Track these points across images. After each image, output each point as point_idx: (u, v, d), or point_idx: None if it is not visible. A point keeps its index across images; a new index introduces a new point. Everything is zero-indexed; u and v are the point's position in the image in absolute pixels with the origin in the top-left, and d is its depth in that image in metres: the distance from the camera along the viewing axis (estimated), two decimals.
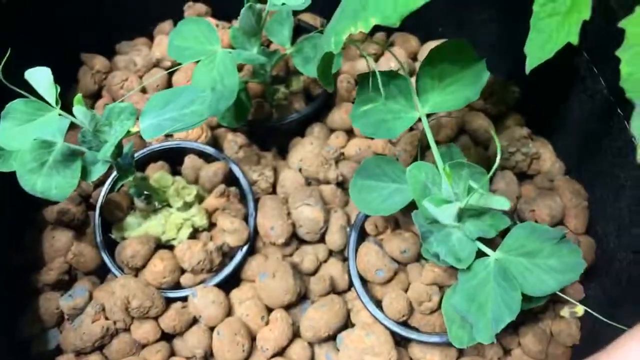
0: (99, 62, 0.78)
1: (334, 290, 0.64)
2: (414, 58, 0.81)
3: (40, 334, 0.62)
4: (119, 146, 0.53)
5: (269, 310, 0.62)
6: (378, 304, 0.60)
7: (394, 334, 0.59)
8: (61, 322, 0.64)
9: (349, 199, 0.69)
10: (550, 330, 0.62)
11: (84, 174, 0.53)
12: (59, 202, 0.65)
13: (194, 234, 0.65)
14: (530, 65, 0.39)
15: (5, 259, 0.64)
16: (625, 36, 0.30)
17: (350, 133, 0.75)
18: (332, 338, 0.61)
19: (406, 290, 0.61)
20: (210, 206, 0.66)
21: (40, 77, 0.47)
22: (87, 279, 0.65)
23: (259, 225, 0.65)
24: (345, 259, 0.66)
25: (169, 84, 0.78)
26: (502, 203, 0.44)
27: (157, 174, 0.66)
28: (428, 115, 0.54)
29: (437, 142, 0.53)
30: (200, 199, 0.66)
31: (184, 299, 0.62)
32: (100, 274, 0.66)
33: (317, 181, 0.69)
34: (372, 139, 0.72)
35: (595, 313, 0.55)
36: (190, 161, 0.68)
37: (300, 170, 0.70)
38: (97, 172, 0.53)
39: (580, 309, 0.63)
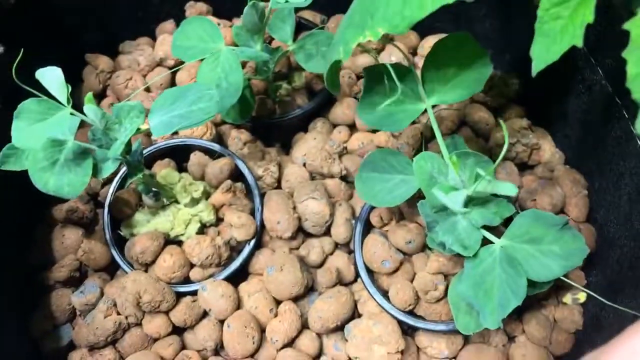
0: (103, 62, 0.79)
1: (340, 281, 0.65)
2: (413, 52, 0.82)
3: (52, 330, 0.63)
4: (128, 144, 0.54)
5: (277, 302, 0.63)
6: (384, 294, 0.62)
7: (400, 323, 0.60)
8: (73, 318, 0.65)
9: (353, 192, 0.70)
10: (554, 316, 0.63)
11: (95, 171, 0.54)
12: (68, 201, 0.67)
13: (202, 229, 0.66)
14: (536, 68, 0.40)
15: (17, 257, 0.65)
16: (631, 38, 0.31)
17: (352, 127, 0.76)
18: (340, 328, 0.62)
19: (412, 280, 0.62)
20: (217, 202, 0.67)
21: (52, 77, 0.49)
22: (97, 276, 0.66)
23: (265, 220, 0.66)
24: (350, 251, 0.68)
25: (172, 83, 0.79)
26: (509, 189, 0.45)
27: (163, 171, 0.67)
28: (434, 107, 0.56)
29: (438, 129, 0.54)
30: (207, 194, 0.67)
31: (194, 293, 0.63)
32: (110, 270, 0.67)
33: (322, 175, 0.70)
34: (374, 132, 0.73)
35: (598, 296, 0.56)
36: (196, 158, 0.69)
37: (304, 164, 0.71)
38: (107, 169, 0.54)
39: (582, 296, 0.64)
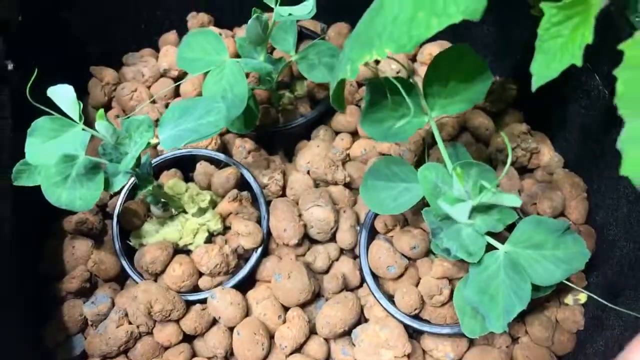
0: (108, 74, 0.80)
1: (346, 287, 0.66)
2: (412, 59, 0.83)
3: (65, 340, 0.64)
4: (138, 157, 0.55)
5: (285, 309, 0.65)
6: (390, 298, 0.63)
7: (406, 327, 0.61)
8: (85, 329, 0.66)
9: (356, 199, 0.72)
10: (556, 317, 0.65)
11: (106, 185, 0.55)
12: (77, 212, 0.68)
13: (210, 238, 0.67)
14: (536, 84, 0.41)
15: (29, 269, 0.66)
16: (625, 57, 0.32)
17: (354, 134, 0.77)
18: (347, 333, 0.63)
19: (417, 285, 0.63)
20: (224, 211, 0.68)
21: (63, 94, 0.50)
22: (107, 286, 0.67)
23: (272, 228, 0.67)
24: (355, 257, 0.69)
25: (176, 94, 0.80)
26: (513, 200, 0.47)
27: (170, 181, 0.68)
28: (437, 118, 0.57)
29: (441, 140, 0.56)
30: (213, 204, 0.68)
31: (203, 301, 0.64)
32: (120, 280, 0.68)
33: (326, 182, 0.72)
34: None
35: (599, 298, 0.57)
36: (202, 168, 0.71)
37: (308, 172, 0.72)
38: (118, 183, 0.55)
39: (583, 297, 0.65)
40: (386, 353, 0.59)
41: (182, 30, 0.86)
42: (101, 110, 0.50)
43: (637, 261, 0.59)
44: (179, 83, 0.77)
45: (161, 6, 0.84)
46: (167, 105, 0.80)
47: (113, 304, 0.65)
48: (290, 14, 0.59)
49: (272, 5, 0.60)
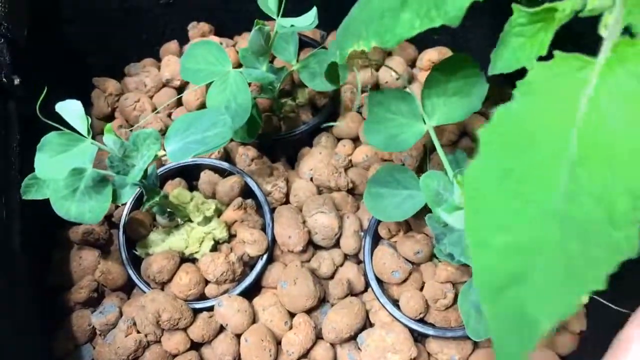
0: (110, 85, 0.81)
1: (351, 292, 0.67)
2: (412, 65, 0.84)
3: (74, 350, 0.65)
4: (145, 169, 0.56)
5: (292, 315, 0.65)
6: (395, 303, 0.64)
7: (412, 331, 0.62)
8: (93, 338, 0.66)
9: (359, 204, 0.72)
10: None
11: (114, 197, 0.56)
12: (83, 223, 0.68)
13: (216, 247, 0.68)
14: (492, 71, 0.45)
15: (38, 280, 0.66)
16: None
17: (356, 141, 0.78)
18: (353, 338, 0.64)
19: (421, 289, 0.64)
20: (229, 219, 0.69)
21: (72, 109, 0.51)
22: (114, 295, 0.68)
23: (276, 235, 0.68)
24: (359, 262, 0.70)
25: (179, 103, 0.81)
26: None
27: (175, 190, 0.69)
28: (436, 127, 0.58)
29: (442, 146, 0.57)
30: (218, 212, 0.69)
31: (210, 309, 0.65)
32: (127, 289, 0.69)
33: (329, 189, 0.73)
34: None
35: (600, 298, 0.58)
36: (206, 176, 0.71)
37: (311, 179, 0.73)
38: (126, 195, 0.56)
39: (585, 297, 0.66)
40: (392, 357, 0.60)
41: (183, 40, 0.87)
42: (109, 125, 0.51)
43: (637, 261, 0.60)
44: (181, 95, 0.77)
45: (162, 16, 0.85)
46: (169, 115, 0.81)
47: (121, 314, 0.66)
48: (292, 25, 0.60)
49: (274, 17, 0.61)
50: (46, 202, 0.54)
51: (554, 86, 0.34)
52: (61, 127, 0.50)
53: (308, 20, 0.60)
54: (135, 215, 0.68)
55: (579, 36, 0.39)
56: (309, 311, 0.65)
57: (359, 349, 0.63)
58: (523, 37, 0.42)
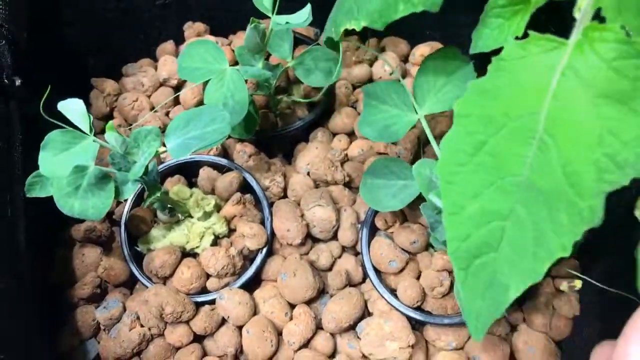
0: (109, 85, 0.82)
1: (350, 283, 0.69)
2: (404, 60, 0.86)
3: (79, 345, 0.66)
4: (146, 165, 0.57)
5: (292, 306, 0.67)
6: (393, 292, 0.65)
7: (409, 319, 0.64)
8: (97, 333, 0.68)
9: (356, 197, 0.74)
10: (552, 304, 0.67)
11: (116, 193, 0.57)
12: (85, 221, 0.70)
13: (216, 241, 0.70)
14: (472, 50, 0.48)
15: (42, 277, 0.68)
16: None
17: (351, 135, 0.79)
18: (352, 327, 0.65)
19: (418, 278, 0.66)
20: (229, 214, 0.70)
21: (74, 108, 0.52)
22: (117, 291, 0.69)
23: (275, 229, 0.69)
24: (357, 254, 0.71)
25: (176, 102, 0.82)
26: None
27: (175, 187, 0.70)
28: (426, 116, 0.60)
29: (434, 137, 0.58)
30: (218, 207, 0.71)
31: (212, 302, 0.66)
32: (129, 285, 0.71)
33: (325, 183, 0.74)
34: None
35: (592, 280, 0.60)
36: (205, 173, 0.73)
37: (308, 173, 0.75)
38: (128, 191, 0.57)
39: (578, 283, 0.68)
40: (391, 344, 0.62)
41: (179, 40, 0.88)
42: (111, 122, 0.52)
43: (629, 245, 0.62)
44: (178, 94, 0.79)
45: (158, 17, 0.86)
46: (167, 114, 0.82)
47: (124, 308, 0.67)
48: (287, 22, 0.61)
49: (269, 15, 0.62)
50: (48, 202, 0.56)
51: (526, 64, 0.36)
52: (64, 125, 0.52)
53: (302, 17, 0.61)
54: (136, 212, 0.70)
55: (559, 20, 0.40)
56: (308, 302, 0.67)
57: (358, 338, 0.65)
58: (501, 19, 0.45)
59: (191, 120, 0.56)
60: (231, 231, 0.71)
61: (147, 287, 0.66)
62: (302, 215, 0.70)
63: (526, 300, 0.67)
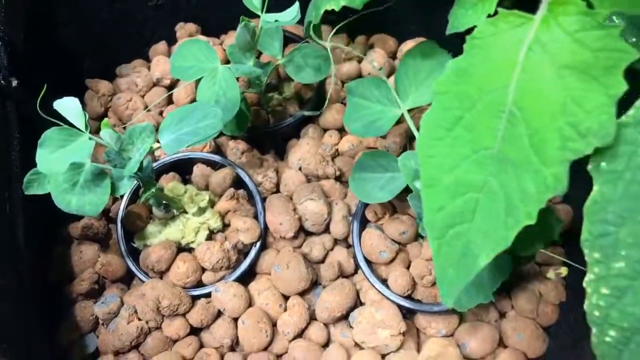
0: (103, 86, 0.84)
1: (342, 274, 0.71)
2: (393, 57, 0.87)
3: (78, 339, 0.68)
4: (141, 161, 0.59)
5: (286, 298, 0.69)
6: (384, 282, 0.67)
7: (400, 307, 0.65)
8: (96, 328, 0.69)
9: (347, 191, 0.76)
10: (539, 291, 0.69)
11: (112, 189, 0.58)
12: (82, 218, 0.71)
13: (210, 236, 0.71)
14: (449, 30, 0.50)
15: (41, 274, 0.69)
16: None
17: (342, 131, 0.81)
18: (345, 317, 0.67)
19: (408, 267, 0.68)
20: (223, 209, 0.72)
21: (69, 106, 0.53)
22: (115, 286, 0.71)
23: (268, 223, 0.71)
24: (349, 246, 0.73)
25: (169, 101, 0.84)
26: None
27: (170, 184, 0.72)
28: (410, 110, 0.62)
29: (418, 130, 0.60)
30: (212, 203, 0.72)
31: (208, 295, 0.68)
32: (126, 280, 0.72)
33: (317, 177, 0.76)
34: None
35: (579, 265, 0.61)
36: (199, 170, 0.74)
37: (300, 168, 0.76)
38: (124, 187, 0.59)
39: (564, 270, 0.70)
40: (383, 332, 0.63)
41: (171, 40, 0.89)
42: (106, 120, 0.54)
43: None
44: (171, 92, 0.80)
45: (150, 18, 0.88)
46: (161, 113, 0.84)
47: (122, 303, 0.68)
48: (276, 21, 0.63)
49: (259, 13, 0.64)
50: (45, 200, 0.57)
51: (497, 40, 0.38)
52: (61, 123, 0.53)
53: (291, 15, 0.63)
54: (132, 209, 0.71)
55: None
56: (302, 293, 0.68)
57: (350, 327, 0.67)
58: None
59: (184, 116, 0.58)
60: (225, 226, 0.72)
61: (143, 281, 0.67)
62: (295, 209, 0.71)
63: (514, 288, 0.69)
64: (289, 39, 0.84)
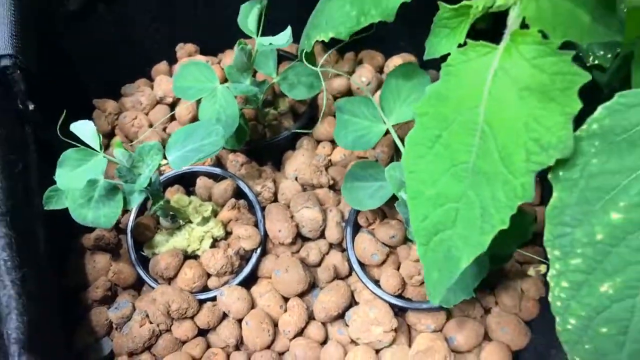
0: (109, 105, 0.89)
1: (337, 276, 0.75)
2: (380, 71, 0.93)
3: (94, 343, 0.73)
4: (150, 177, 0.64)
5: (286, 299, 0.73)
6: (376, 282, 0.72)
7: (392, 305, 0.70)
8: (110, 331, 0.74)
9: (340, 199, 0.81)
10: (521, 288, 0.73)
11: (125, 203, 0.64)
12: (94, 231, 0.76)
13: (214, 244, 0.76)
14: (426, 56, 0.54)
15: (58, 282, 0.74)
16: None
17: (334, 142, 0.86)
18: (341, 316, 0.72)
19: (398, 268, 0.73)
20: (225, 218, 0.77)
21: (85, 128, 0.59)
22: (127, 293, 0.76)
23: (268, 230, 0.76)
24: (343, 250, 0.78)
25: (172, 118, 0.89)
26: None
27: (175, 196, 0.77)
28: (395, 125, 0.67)
29: (403, 143, 0.66)
30: (215, 213, 0.77)
31: (213, 298, 0.72)
32: (137, 286, 0.77)
33: (312, 186, 0.81)
34: None
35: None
36: (202, 182, 0.80)
37: (296, 178, 0.82)
38: (135, 200, 0.64)
39: (543, 267, 0.75)
40: (376, 329, 0.68)
41: (172, 60, 0.95)
42: (118, 140, 0.59)
43: None
44: (173, 112, 0.86)
45: (151, 39, 0.93)
46: (165, 129, 0.89)
47: (134, 308, 0.73)
48: (270, 44, 0.68)
49: (254, 37, 0.69)
50: (61, 215, 0.62)
51: (467, 67, 0.43)
52: (77, 144, 0.58)
53: (284, 39, 0.68)
54: (140, 220, 0.76)
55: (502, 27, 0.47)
56: (301, 295, 0.73)
57: (346, 325, 0.72)
58: (448, 29, 0.51)
59: (189, 135, 0.63)
60: (228, 234, 0.78)
61: (153, 288, 0.72)
62: (292, 217, 0.76)
63: (498, 285, 0.74)
64: (282, 57, 0.89)
